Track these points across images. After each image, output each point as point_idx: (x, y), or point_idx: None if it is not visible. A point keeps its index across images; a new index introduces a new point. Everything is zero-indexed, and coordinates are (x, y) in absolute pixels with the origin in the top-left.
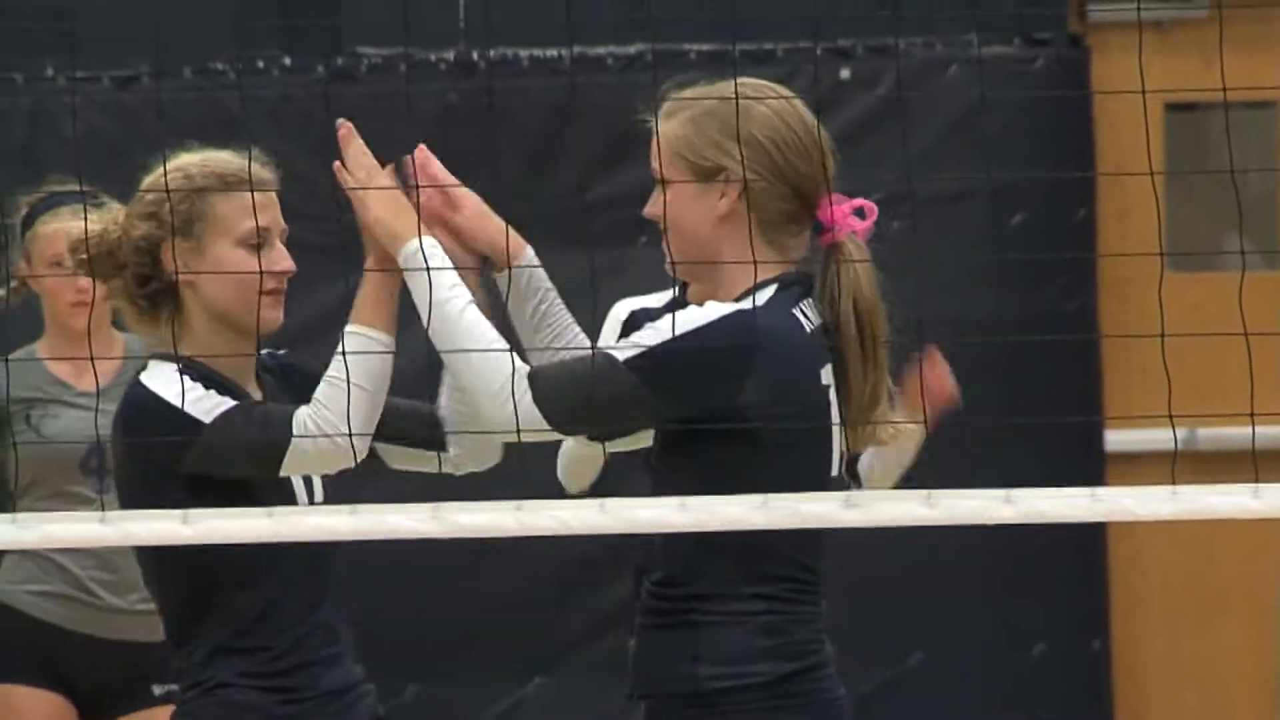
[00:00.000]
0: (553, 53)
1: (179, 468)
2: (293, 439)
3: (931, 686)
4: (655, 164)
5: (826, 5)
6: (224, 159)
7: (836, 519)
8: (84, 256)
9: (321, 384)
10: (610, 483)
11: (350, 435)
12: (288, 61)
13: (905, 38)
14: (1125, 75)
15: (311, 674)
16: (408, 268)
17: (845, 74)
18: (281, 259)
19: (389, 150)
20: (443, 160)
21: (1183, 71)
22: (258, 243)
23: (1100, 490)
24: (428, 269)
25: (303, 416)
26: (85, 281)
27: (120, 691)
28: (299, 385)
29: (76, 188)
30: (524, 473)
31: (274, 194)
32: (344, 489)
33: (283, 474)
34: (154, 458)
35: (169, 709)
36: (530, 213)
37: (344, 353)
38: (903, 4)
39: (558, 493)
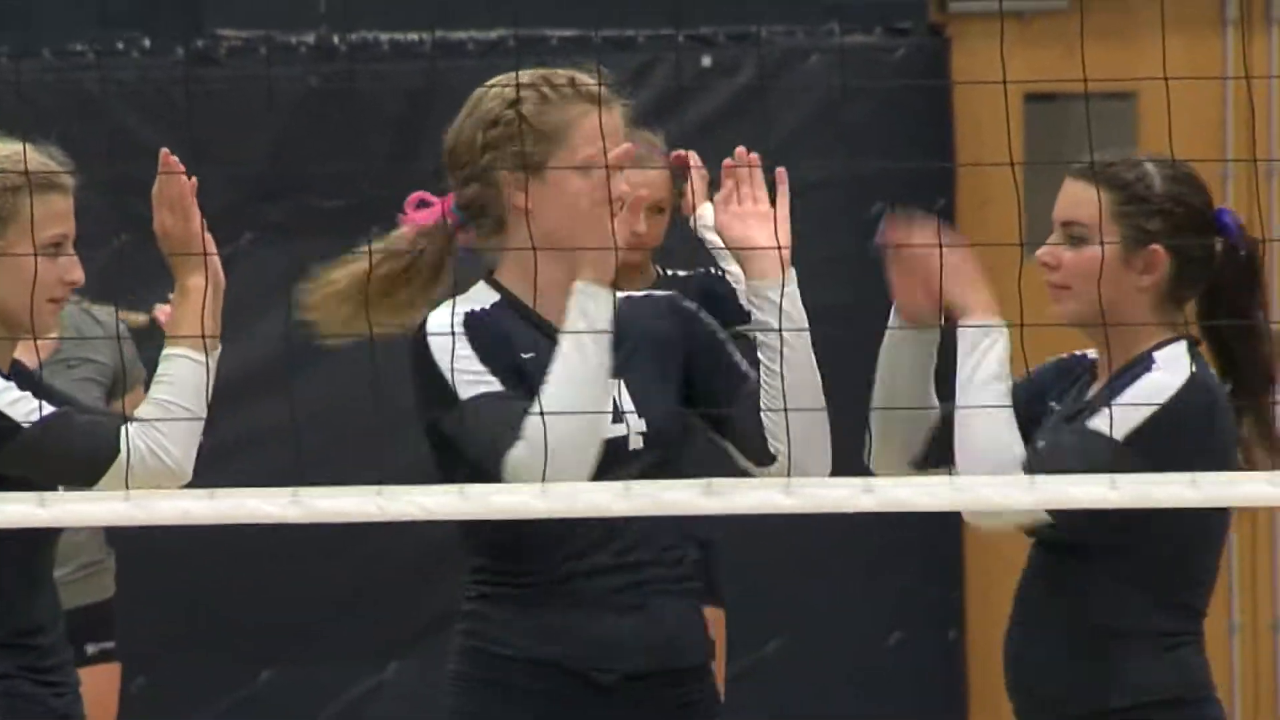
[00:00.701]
0: (413, 37)
1: None
2: (118, 454)
3: (789, 673)
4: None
5: None
6: (35, 158)
7: (696, 506)
8: None
9: (147, 404)
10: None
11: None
12: (147, 43)
13: (767, 26)
14: (985, 65)
15: (70, 668)
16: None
17: (706, 61)
18: (75, 269)
19: (249, 133)
20: (304, 144)
21: (1043, 62)
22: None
23: (960, 479)
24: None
25: (131, 433)
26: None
27: None
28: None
29: None
30: (381, 455)
31: (70, 198)
32: (201, 473)
33: (97, 486)
34: None
35: (104, 667)
36: (390, 198)
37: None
38: None
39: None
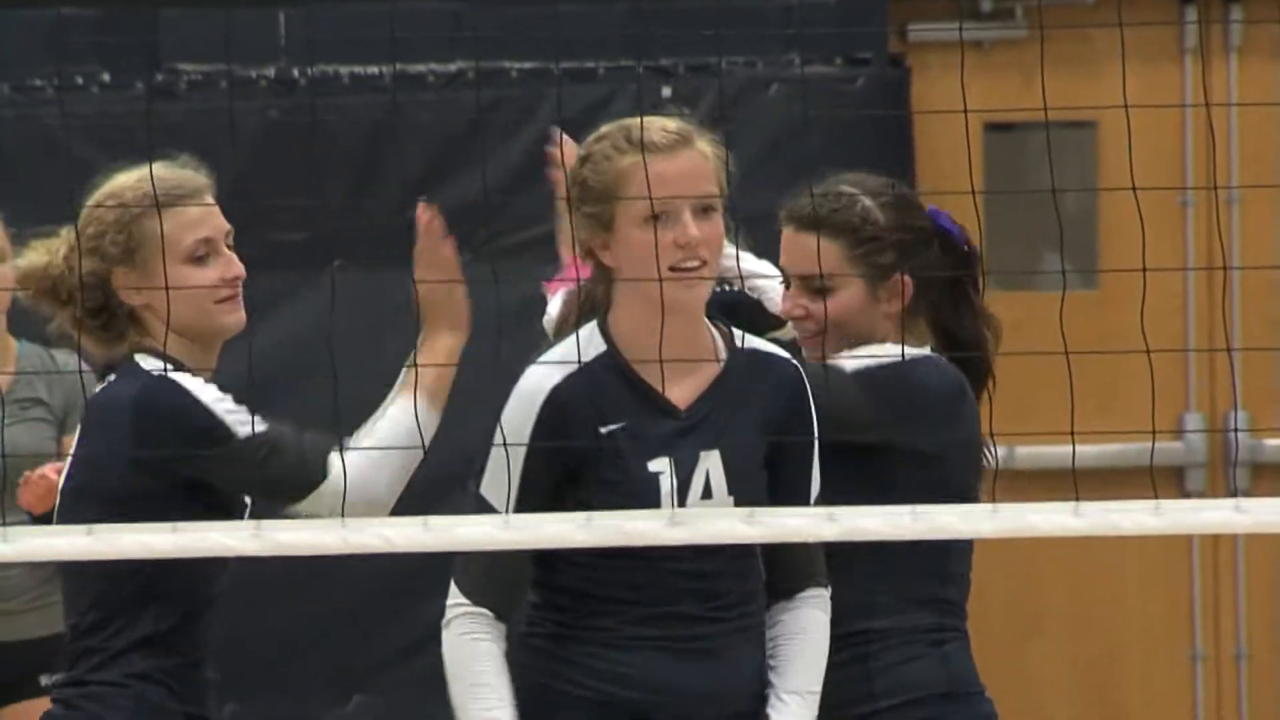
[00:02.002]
0: (373, 70)
1: (184, 469)
2: (324, 478)
3: None
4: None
5: (648, 24)
6: (159, 175)
7: (660, 537)
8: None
9: (364, 435)
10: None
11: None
12: (107, 78)
13: (727, 57)
14: (945, 95)
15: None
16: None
17: (667, 93)
18: (230, 265)
19: (210, 166)
20: (264, 178)
21: (1002, 91)
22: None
23: (920, 508)
24: None
25: (338, 462)
26: None
27: (9, 683)
28: None
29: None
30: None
31: (211, 200)
32: None
33: (298, 508)
34: (163, 452)
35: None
36: (351, 231)
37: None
38: (724, 23)
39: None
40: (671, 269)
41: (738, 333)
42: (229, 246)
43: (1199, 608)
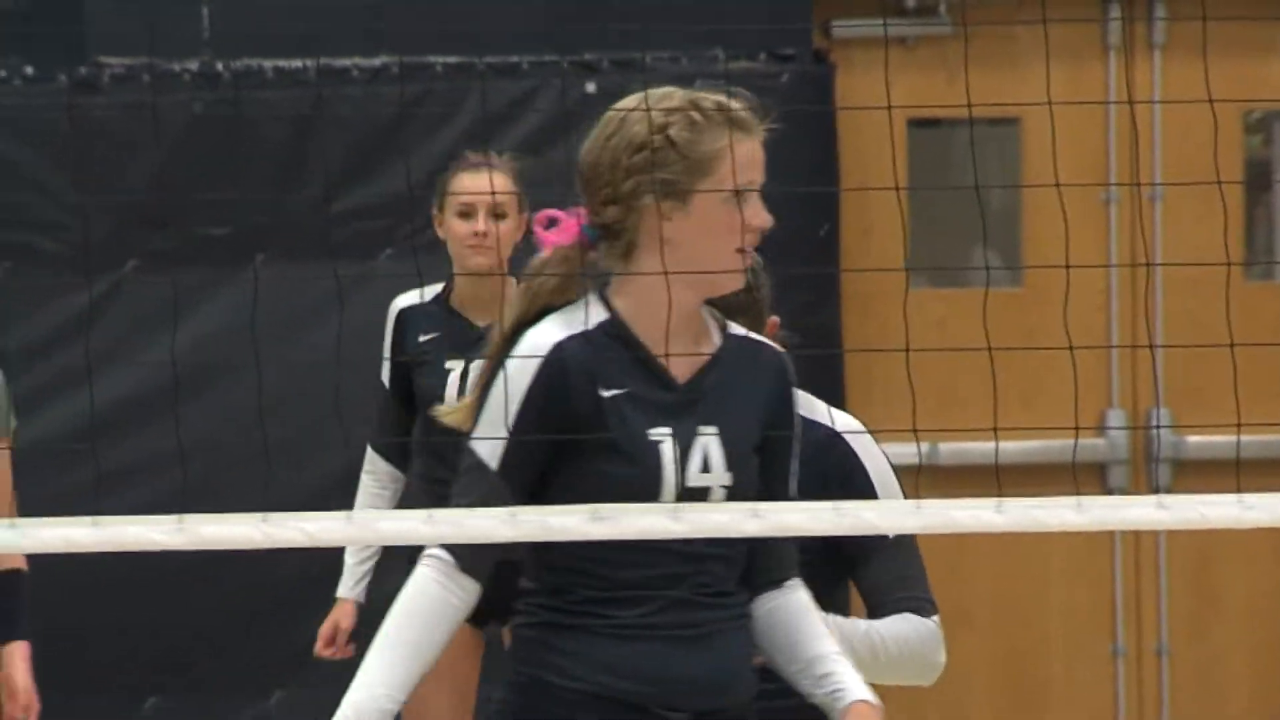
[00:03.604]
0: (297, 64)
1: None
2: None
3: None
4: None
5: (572, 19)
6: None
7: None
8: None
9: None
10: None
11: None
12: (30, 70)
13: (651, 52)
14: (869, 91)
15: None
16: None
17: (591, 88)
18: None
19: (133, 160)
20: (187, 172)
21: (927, 88)
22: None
23: (844, 504)
24: None
25: None
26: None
27: None
28: None
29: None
30: (266, 481)
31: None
32: (86, 502)
33: None
34: None
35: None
36: (275, 225)
37: None
38: (648, 18)
39: (299, 503)
40: (737, 251)
41: (730, 323)
42: None
43: (1121, 603)
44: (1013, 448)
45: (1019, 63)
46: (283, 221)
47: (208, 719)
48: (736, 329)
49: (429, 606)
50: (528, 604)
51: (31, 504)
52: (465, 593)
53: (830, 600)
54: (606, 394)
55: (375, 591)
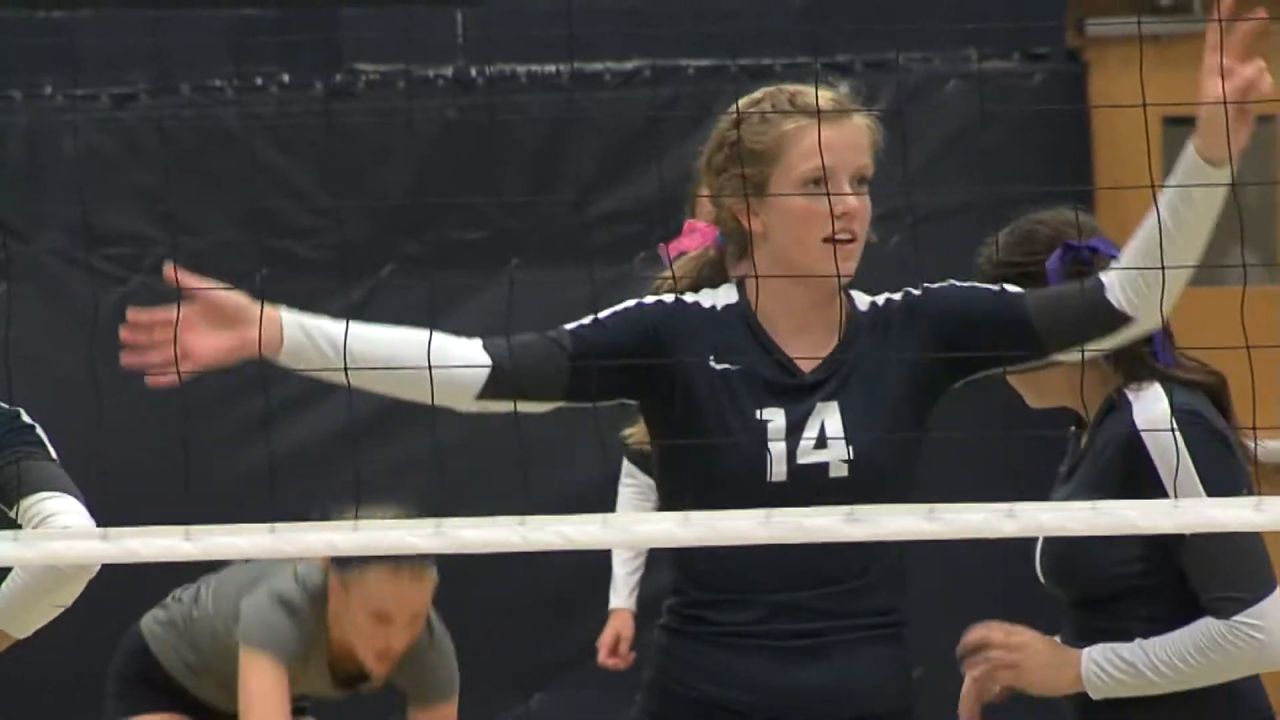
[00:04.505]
0: (551, 68)
1: None
2: None
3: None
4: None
5: (825, 20)
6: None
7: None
8: None
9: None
10: None
11: None
12: (286, 78)
13: (904, 53)
14: (1123, 89)
15: None
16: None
17: (844, 89)
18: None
19: (389, 166)
20: (442, 176)
21: (1181, 85)
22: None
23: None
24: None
25: None
26: None
27: None
28: None
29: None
30: (523, 486)
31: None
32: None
33: None
34: None
35: None
36: (529, 230)
37: None
38: (901, 19)
39: (556, 506)
40: (825, 240)
41: (861, 296)
42: None
43: None
44: (1273, 446)
45: (1275, 59)
46: (536, 226)
47: None
48: (875, 299)
49: (429, 343)
50: (668, 603)
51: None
52: (468, 356)
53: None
54: (718, 366)
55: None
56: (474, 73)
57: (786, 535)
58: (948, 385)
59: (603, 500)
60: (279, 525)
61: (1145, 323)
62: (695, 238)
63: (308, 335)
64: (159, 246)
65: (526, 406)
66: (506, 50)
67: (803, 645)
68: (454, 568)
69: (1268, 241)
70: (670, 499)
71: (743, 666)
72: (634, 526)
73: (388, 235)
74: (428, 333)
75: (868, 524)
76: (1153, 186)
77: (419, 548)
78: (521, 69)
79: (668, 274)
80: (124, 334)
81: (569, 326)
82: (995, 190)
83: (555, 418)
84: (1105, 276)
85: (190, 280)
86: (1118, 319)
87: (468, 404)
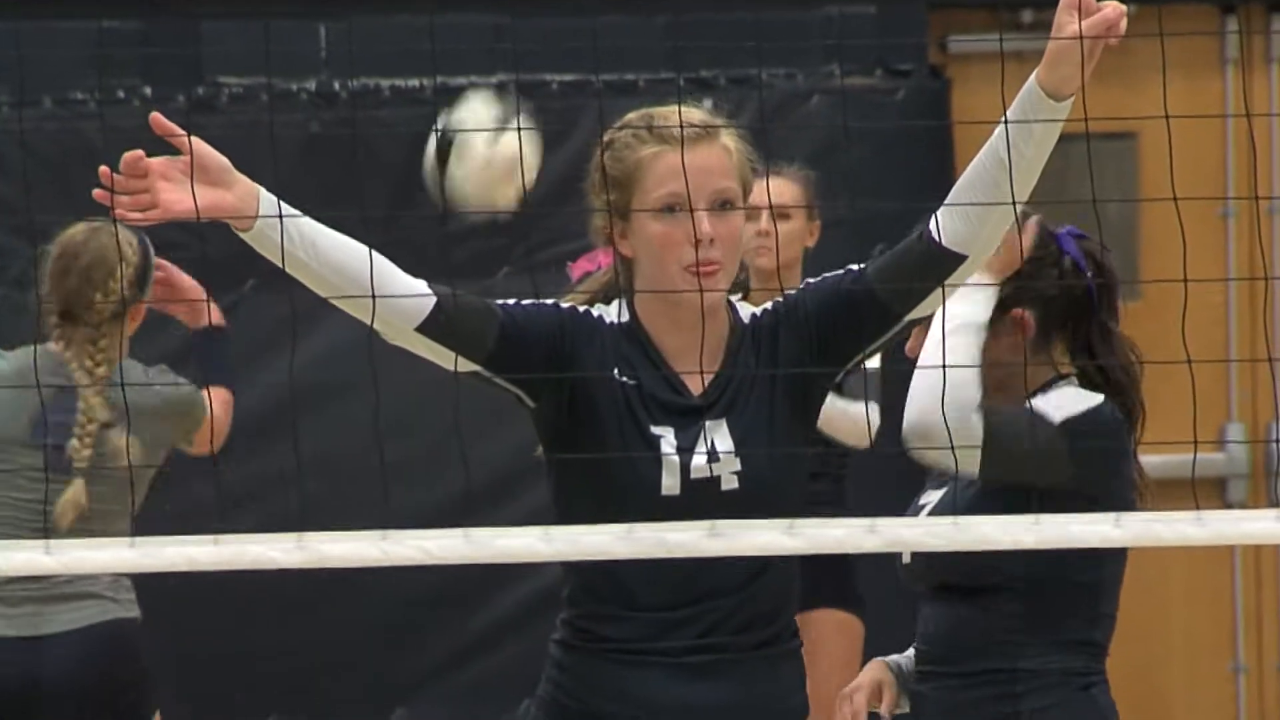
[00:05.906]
0: (414, 82)
1: None
2: None
3: None
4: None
5: (688, 37)
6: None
7: (700, 549)
8: None
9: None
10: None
11: None
12: (148, 91)
13: (767, 69)
14: (986, 105)
15: None
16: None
17: (708, 105)
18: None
19: (252, 180)
20: (305, 190)
21: None
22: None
23: (962, 519)
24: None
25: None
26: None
27: None
28: None
29: None
30: (384, 501)
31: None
32: (208, 522)
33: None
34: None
35: None
36: (392, 243)
37: None
38: (765, 36)
39: (418, 520)
40: (686, 268)
41: (744, 308)
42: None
43: (1241, 619)
44: (1156, 461)
45: (1136, 77)
46: (399, 240)
47: None
48: (755, 310)
49: (371, 261)
50: (561, 615)
51: (154, 522)
52: (415, 287)
53: None
54: (620, 379)
55: (452, 625)
56: (337, 86)
57: (648, 550)
58: (828, 380)
59: (465, 515)
60: (139, 539)
61: (978, 258)
62: (600, 256)
63: (282, 214)
64: (20, 259)
65: (445, 357)
66: (369, 64)
67: (694, 662)
68: (317, 583)
69: (1132, 259)
70: (565, 510)
71: (636, 682)
72: (495, 541)
73: (250, 250)
74: (380, 256)
75: (727, 539)
76: (1014, 203)
77: (280, 562)
78: (385, 83)
79: (577, 292)
80: (103, 171)
81: (498, 301)
82: (859, 205)
83: (417, 435)
84: (932, 221)
85: (178, 131)
86: (951, 259)
87: (403, 333)
